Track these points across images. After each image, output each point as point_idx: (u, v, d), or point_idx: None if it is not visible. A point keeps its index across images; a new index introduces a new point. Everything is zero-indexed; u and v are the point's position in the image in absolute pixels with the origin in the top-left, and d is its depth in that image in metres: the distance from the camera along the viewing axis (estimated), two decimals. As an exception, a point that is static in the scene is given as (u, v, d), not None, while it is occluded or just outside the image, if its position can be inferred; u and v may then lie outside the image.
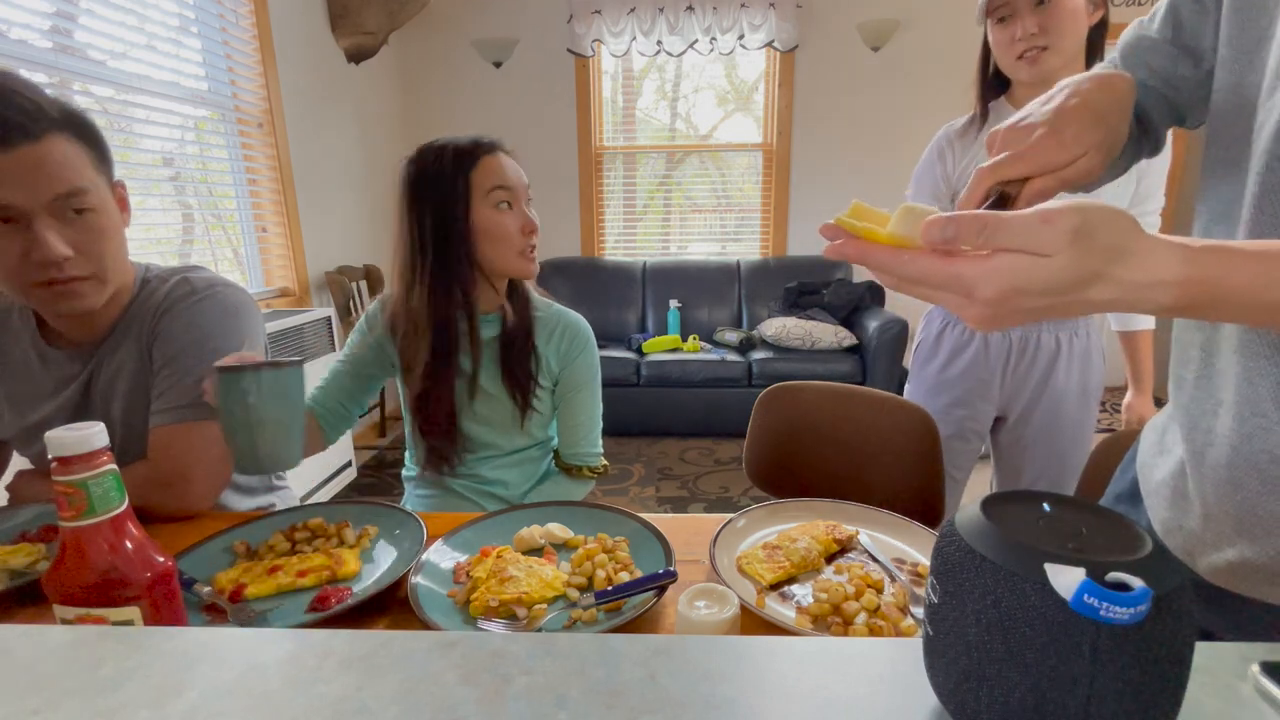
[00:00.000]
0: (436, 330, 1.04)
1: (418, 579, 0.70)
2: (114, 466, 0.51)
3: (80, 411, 0.94)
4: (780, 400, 1.29)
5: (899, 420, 1.20)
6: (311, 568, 0.73)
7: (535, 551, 0.78)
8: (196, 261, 2.38)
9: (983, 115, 1.29)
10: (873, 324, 3.23)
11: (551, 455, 1.21)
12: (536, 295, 1.15)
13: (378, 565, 0.76)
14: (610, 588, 0.67)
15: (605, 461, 1.18)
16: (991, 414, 1.39)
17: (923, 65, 3.68)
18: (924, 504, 1.15)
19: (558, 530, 0.80)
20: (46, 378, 0.94)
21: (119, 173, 0.89)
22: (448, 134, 1.05)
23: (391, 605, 0.69)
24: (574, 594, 0.68)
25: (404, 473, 1.22)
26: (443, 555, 0.76)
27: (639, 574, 0.71)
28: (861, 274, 3.86)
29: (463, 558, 0.76)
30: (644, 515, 0.82)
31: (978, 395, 1.36)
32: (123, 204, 0.90)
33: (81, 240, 0.82)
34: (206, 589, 0.70)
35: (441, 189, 1.00)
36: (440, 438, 1.10)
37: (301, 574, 0.72)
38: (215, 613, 0.68)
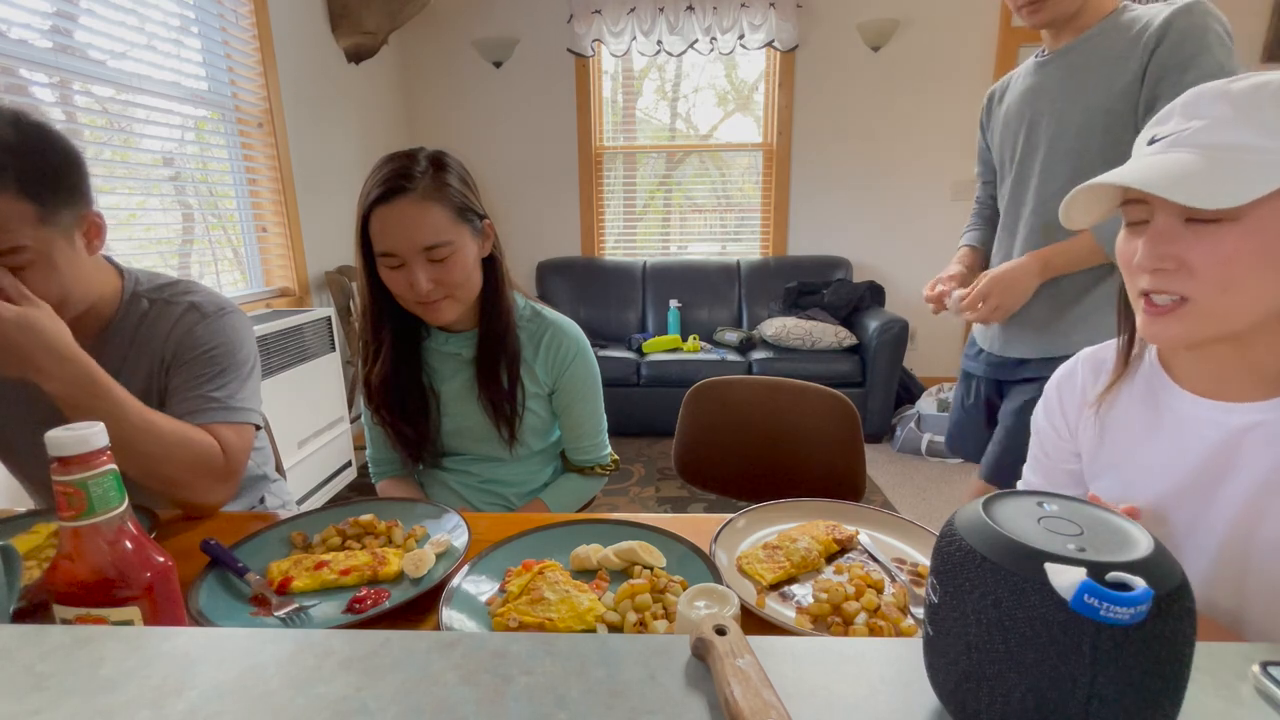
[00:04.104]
0: (382, 330, 1.06)
1: (456, 584, 0.69)
2: (114, 466, 0.51)
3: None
4: (708, 396, 1.36)
5: (820, 407, 1.25)
6: (354, 566, 0.73)
7: (589, 573, 0.73)
8: (196, 261, 2.38)
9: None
10: (873, 324, 3.23)
11: (558, 452, 1.19)
12: (524, 302, 1.10)
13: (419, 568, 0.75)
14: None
15: (615, 455, 1.18)
16: None
17: (923, 65, 3.68)
18: (847, 484, 1.22)
19: (641, 552, 0.72)
20: (28, 391, 0.92)
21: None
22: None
23: (428, 606, 0.67)
24: (602, 630, 0.62)
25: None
26: (489, 566, 0.73)
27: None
28: (862, 273, 3.86)
29: (515, 565, 0.73)
30: (653, 521, 0.81)
31: None
32: (93, 231, 0.88)
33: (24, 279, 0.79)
34: (257, 578, 0.72)
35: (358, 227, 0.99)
36: (411, 431, 1.09)
37: (345, 572, 0.73)
38: (261, 604, 0.69)
